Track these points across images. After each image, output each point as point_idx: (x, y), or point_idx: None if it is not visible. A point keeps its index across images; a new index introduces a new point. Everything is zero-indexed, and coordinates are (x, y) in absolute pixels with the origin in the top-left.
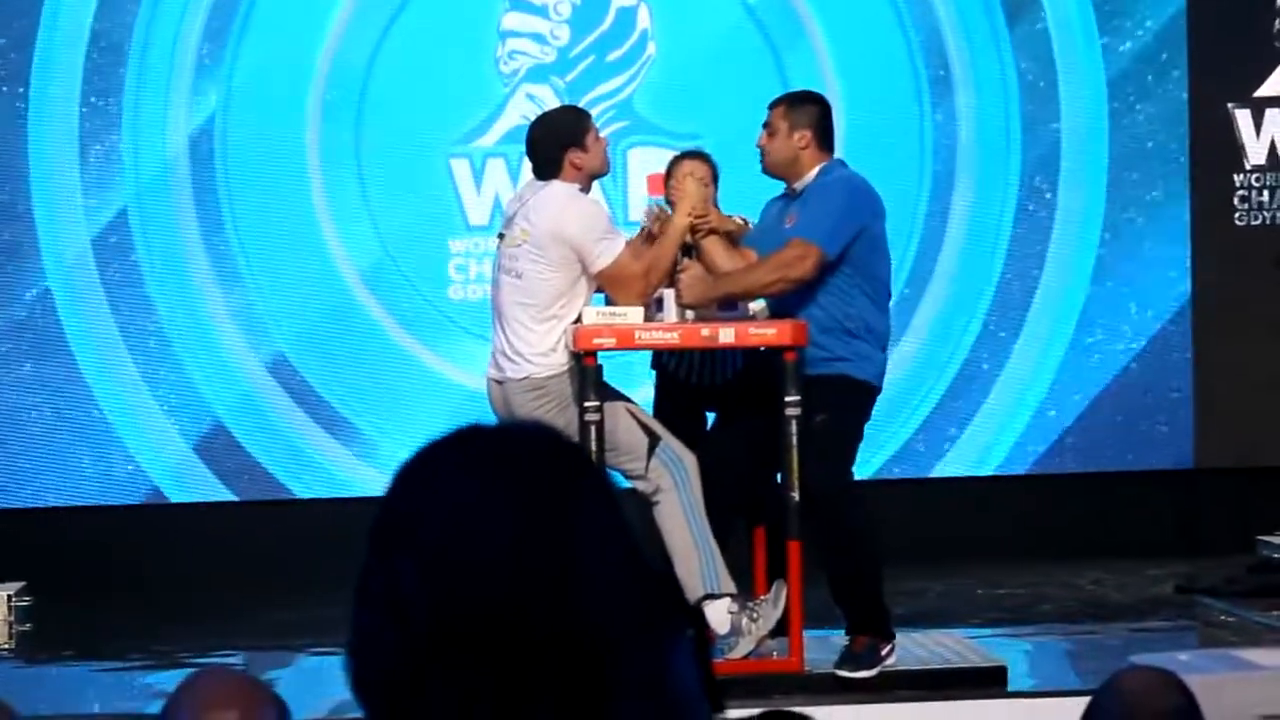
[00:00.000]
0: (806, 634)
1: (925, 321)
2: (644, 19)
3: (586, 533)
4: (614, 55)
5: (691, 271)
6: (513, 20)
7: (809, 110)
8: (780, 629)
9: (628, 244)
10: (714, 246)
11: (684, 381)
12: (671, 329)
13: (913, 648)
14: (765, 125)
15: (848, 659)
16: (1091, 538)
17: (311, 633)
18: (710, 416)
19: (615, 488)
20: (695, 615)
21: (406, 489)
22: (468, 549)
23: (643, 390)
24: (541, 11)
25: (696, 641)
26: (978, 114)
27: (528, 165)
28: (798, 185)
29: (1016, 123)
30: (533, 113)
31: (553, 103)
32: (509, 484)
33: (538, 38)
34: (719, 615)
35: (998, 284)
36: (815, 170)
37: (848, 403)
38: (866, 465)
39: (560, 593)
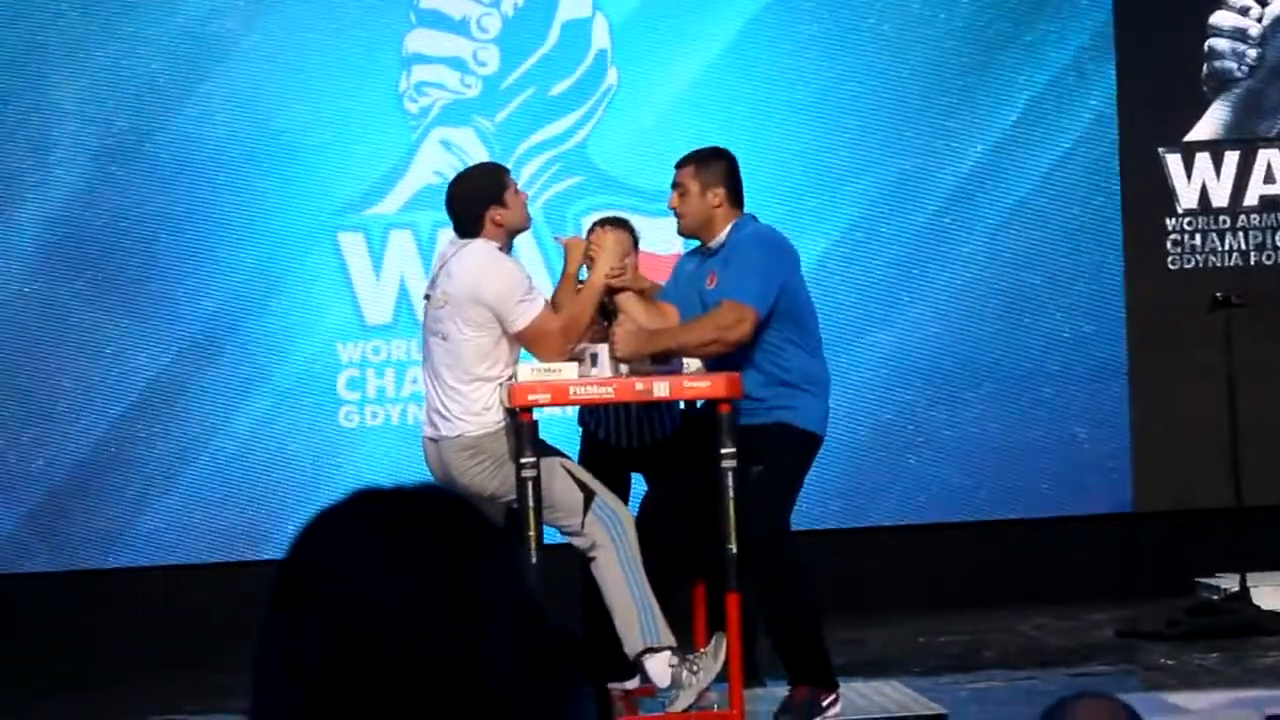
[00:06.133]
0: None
1: (863, 369)
2: (601, 36)
3: (486, 592)
4: (561, 86)
5: (626, 326)
6: (421, 40)
7: (719, 167)
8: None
9: (547, 302)
10: (631, 303)
11: (605, 444)
12: (606, 383)
13: (854, 697)
14: (675, 186)
15: (788, 709)
16: (1031, 583)
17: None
18: (636, 478)
19: (513, 549)
20: (602, 674)
21: (306, 550)
22: (368, 608)
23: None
24: (460, 28)
25: (599, 699)
26: (915, 159)
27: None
28: (712, 243)
29: (951, 169)
30: (449, 167)
31: (476, 151)
32: (408, 543)
33: (456, 64)
34: (659, 668)
35: (933, 331)
36: (729, 227)
37: (786, 451)
38: (806, 514)
39: (460, 651)
